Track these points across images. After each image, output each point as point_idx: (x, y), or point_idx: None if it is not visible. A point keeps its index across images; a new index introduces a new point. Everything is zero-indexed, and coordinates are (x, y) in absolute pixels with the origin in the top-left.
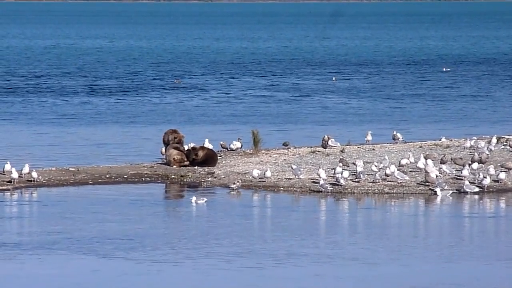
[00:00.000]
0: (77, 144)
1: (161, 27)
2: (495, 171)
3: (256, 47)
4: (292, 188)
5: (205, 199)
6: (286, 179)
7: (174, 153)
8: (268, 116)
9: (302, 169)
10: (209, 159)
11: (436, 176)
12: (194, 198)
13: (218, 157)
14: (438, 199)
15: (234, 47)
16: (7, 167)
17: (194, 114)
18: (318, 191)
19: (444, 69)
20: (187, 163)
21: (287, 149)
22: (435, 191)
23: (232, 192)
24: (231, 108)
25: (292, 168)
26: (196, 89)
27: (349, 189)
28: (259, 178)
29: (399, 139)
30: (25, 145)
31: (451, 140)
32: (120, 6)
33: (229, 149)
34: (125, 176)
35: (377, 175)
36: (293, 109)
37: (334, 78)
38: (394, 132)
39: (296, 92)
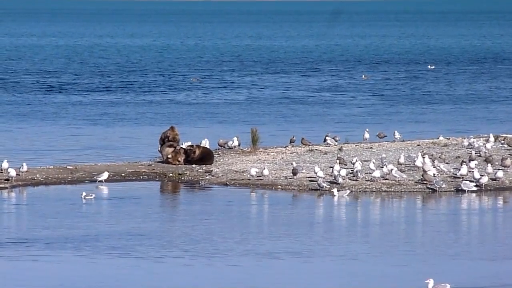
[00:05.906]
0: (77, 142)
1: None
2: (493, 169)
3: (296, 45)
4: (289, 187)
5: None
6: (284, 177)
7: (169, 151)
8: (283, 115)
9: (301, 167)
10: (206, 157)
11: (434, 174)
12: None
13: (216, 155)
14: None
15: (280, 45)
16: (5, 165)
17: (207, 112)
18: (316, 189)
19: (429, 67)
20: (182, 150)
21: (286, 147)
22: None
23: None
24: (240, 107)
25: (293, 165)
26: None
27: (346, 188)
28: (257, 176)
29: (398, 137)
30: (26, 144)
31: (449, 139)
32: (120, 4)
33: (226, 147)
34: (123, 175)
35: (375, 173)
36: (315, 107)
37: (363, 76)
38: (378, 132)
39: (323, 90)
